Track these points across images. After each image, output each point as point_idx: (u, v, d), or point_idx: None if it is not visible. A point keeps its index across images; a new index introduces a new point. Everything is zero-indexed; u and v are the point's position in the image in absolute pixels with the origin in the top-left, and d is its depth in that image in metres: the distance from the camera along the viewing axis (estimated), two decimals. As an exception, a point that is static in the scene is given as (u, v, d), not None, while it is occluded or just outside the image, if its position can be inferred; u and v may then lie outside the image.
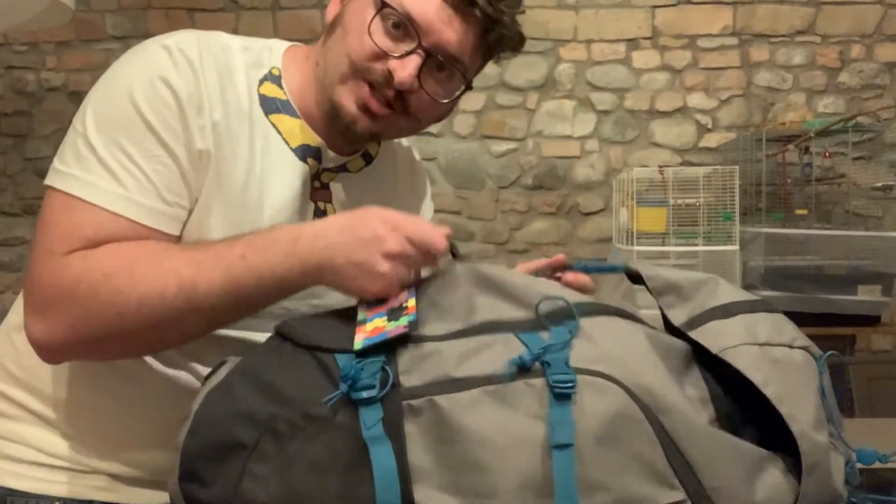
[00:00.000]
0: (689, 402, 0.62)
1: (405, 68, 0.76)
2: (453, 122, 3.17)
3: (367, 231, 0.68)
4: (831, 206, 2.96)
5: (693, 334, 0.66)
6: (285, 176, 0.81)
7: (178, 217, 0.75)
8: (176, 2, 3.17)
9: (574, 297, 0.67)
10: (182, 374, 0.78)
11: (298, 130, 0.82)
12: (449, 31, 0.77)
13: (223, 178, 0.77)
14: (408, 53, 0.76)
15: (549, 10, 3.13)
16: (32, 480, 0.78)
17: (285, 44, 0.87)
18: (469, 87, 0.86)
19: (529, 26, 3.11)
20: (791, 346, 0.64)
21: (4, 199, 3.26)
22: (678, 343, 0.67)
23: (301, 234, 0.69)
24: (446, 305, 0.68)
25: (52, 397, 0.79)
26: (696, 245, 2.48)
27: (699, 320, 0.67)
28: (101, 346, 0.70)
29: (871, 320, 2.42)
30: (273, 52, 0.84)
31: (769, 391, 0.60)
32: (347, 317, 0.68)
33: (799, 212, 2.70)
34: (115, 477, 0.79)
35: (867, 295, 2.37)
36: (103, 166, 0.71)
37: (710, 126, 3.15)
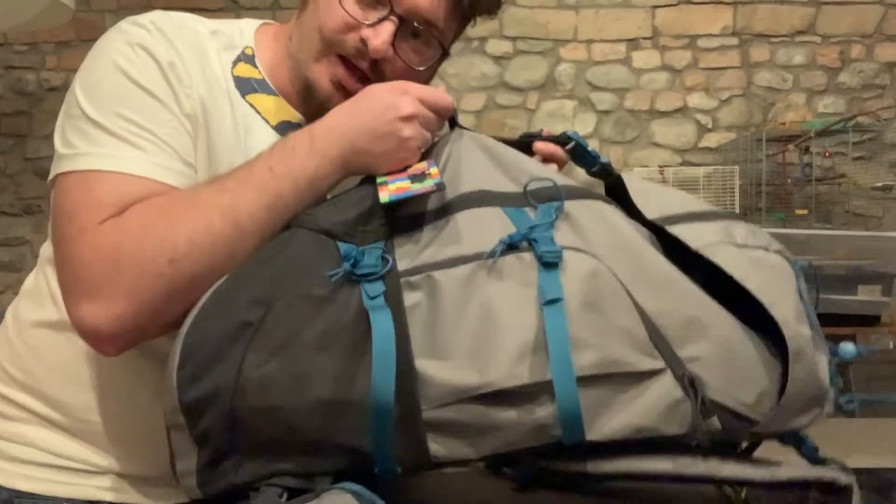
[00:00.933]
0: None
1: (378, 36, 0.75)
2: (453, 122, 3.17)
3: (379, 104, 0.69)
4: (831, 206, 2.96)
5: (669, 230, 0.67)
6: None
7: (194, 180, 0.74)
8: (176, 2, 3.17)
9: (560, 179, 0.69)
10: None
11: (277, 108, 0.82)
12: None
13: (211, 155, 0.76)
14: (380, 20, 0.75)
15: (549, 10, 3.13)
16: (40, 482, 0.77)
17: (256, 22, 0.86)
18: (447, 54, 0.84)
19: (529, 26, 3.13)
20: (767, 249, 0.65)
21: (4, 199, 3.26)
22: (655, 240, 0.68)
23: (314, 131, 0.70)
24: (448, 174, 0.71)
25: (56, 398, 0.78)
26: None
27: (674, 219, 0.67)
28: (163, 308, 0.66)
29: (871, 320, 2.41)
30: (244, 32, 0.83)
31: (750, 285, 0.60)
32: (359, 196, 0.70)
33: (799, 212, 2.70)
34: (122, 476, 0.79)
35: (867, 295, 2.37)
36: (115, 136, 0.70)
37: (710, 126, 3.15)
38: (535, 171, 0.70)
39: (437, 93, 0.71)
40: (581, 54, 3.15)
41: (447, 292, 0.60)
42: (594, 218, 0.66)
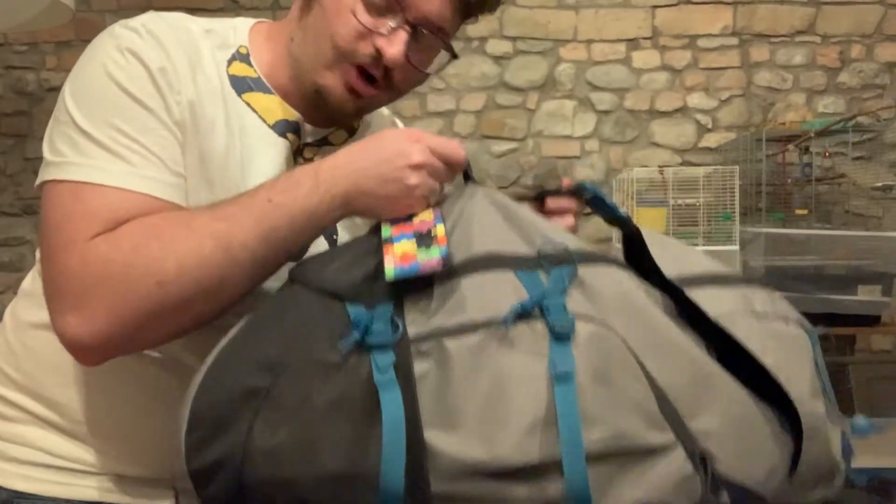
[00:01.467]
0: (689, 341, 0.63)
1: (393, 45, 0.74)
2: (453, 121, 3.17)
3: (389, 147, 0.68)
4: (831, 206, 2.96)
5: (688, 294, 0.66)
6: (267, 154, 0.79)
7: (185, 189, 0.74)
8: (176, 2, 3.17)
9: (575, 243, 0.68)
10: (186, 370, 0.78)
11: (274, 106, 0.81)
12: (432, 1, 0.76)
13: (203, 159, 0.75)
14: (394, 29, 0.75)
15: (549, 10, 3.13)
16: (39, 482, 0.77)
17: (250, 21, 0.85)
18: (455, 56, 0.83)
19: (529, 26, 3.13)
20: (786, 320, 0.64)
21: (4, 199, 3.26)
22: (670, 302, 0.67)
23: (320, 167, 0.69)
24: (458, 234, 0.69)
25: (54, 400, 0.78)
26: (697, 245, 2.48)
27: (692, 281, 0.67)
28: (146, 326, 0.66)
29: (871, 320, 2.41)
30: (238, 30, 0.83)
31: (768, 360, 0.60)
32: (364, 251, 0.69)
33: (799, 212, 2.70)
34: (121, 477, 0.78)
35: (867, 295, 2.37)
36: (104, 149, 0.69)
37: (710, 126, 3.15)
38: (549, 232, 0.69)
39: (449, 144, 0.71)
40: (581, 54, 3.15)
41: (457, 361, 0.59)
42: (607, 284, 0.65)
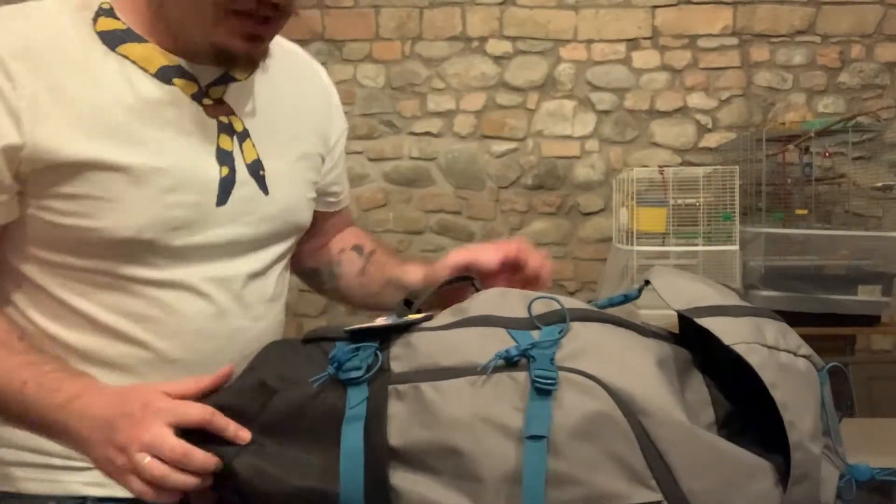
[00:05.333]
0: (684, 406, 0.62)
1: None
2: (453, 121, 3.17)
3: (118, 443, 0.65)
4: (831, 206, 2.96)
5: (700, 322, 0.66)
6: (155, 102, 0.78)
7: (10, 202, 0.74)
8: (176, 2, 3.17)
9: (570, 303, 0.69)
10: (167, 365, 0.79)
11: (151, 55, 0.79)
12: None
13: (89, 127, 0.74)
14: None
15: (549, 10, 3.13)
16: (24, 481, 0.77)
17: None
18: None
19: (529, 26, 3.13)
20: (796, 354, 0.64)
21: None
22: (679, 350, 0.67)
23: (82, 394, 0.68)
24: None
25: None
26: (696, 245, 2.48)
27: (704, 311, 0.67)
28: None
29: (871, 320, 2.41)
30: None
31: (777, 395, 0.60)
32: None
33: (799, 212, 2.69)
34: None
35: (867, 295, 2.37)
36: None
37: (710, 126, 3.15)
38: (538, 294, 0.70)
39: (187, 453, 0.63)
40: (581, 54, 3.15)
41: (433, 406, 0.60)
42: (601, 340, 0.65)
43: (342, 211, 1.08)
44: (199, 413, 0.64)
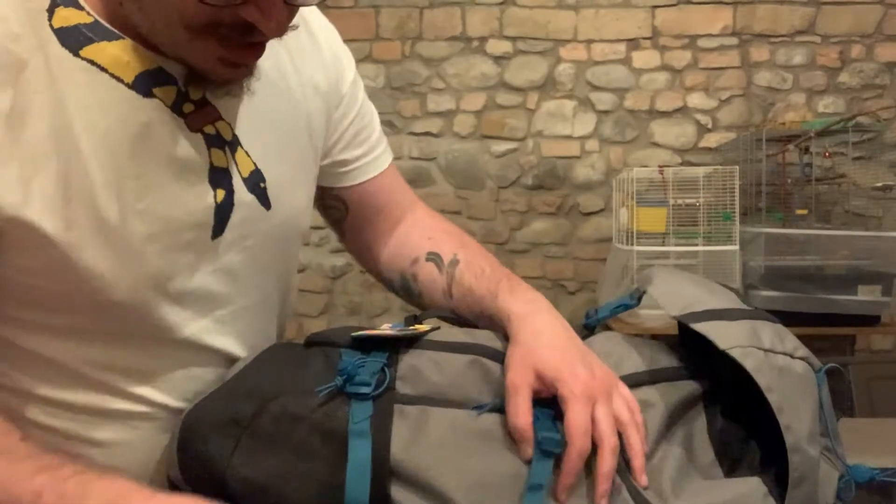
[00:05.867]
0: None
1: (270, 16, 0.56)
2: (453, 122, 3.17)
3: None
4: (831, 206, 2.96)
5: (695, 328, 0.67)
6: (133, 126, 0.60)
7: None
8: (176, 2, 3.17)
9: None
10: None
11: (128, 56, 0.60)
12: None
13: (58, 180, 0.57)
14: None
15: (549, 10, 3.13)
16: None
17: None
18: None
19: (529, 26, 3.12)
20: (792, 356, 0.64)
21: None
22: (683, 389, 0.68)
23: (120, 501, 0.55)
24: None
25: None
26: (696, 245, 2.48)
27: (700, 316, 0.67)
28: None
29: (871, 320, 2.41)
30: None
31: (772, 398, 0.60)
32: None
33: (799, 212, 2.69)
34: None
35: (867, 295, 2.37)
36: None
37: (710, 126, 3.15)
38: None
39: None
40: (581, 54, 3.15)
41: (440, 430, 0.60)
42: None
43: (386, 172, 0.87)
44: None
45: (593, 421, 0.60)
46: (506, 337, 0.69)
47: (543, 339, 0.66)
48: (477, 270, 0.79)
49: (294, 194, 0.76)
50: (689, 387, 0.68)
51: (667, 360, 0.70)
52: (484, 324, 0.75)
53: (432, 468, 0.58)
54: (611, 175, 3.10)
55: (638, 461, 0.60)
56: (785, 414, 0.60)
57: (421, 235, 0.87)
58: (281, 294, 0.79)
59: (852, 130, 2.61)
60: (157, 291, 0.65)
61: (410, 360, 0.65)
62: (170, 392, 0.68)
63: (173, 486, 0.65)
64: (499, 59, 3.16)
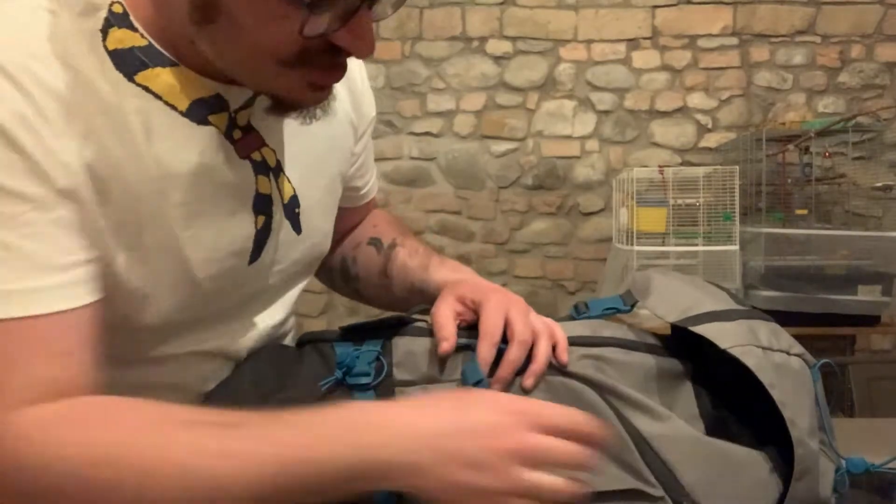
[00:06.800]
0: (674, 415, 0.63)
1: (363, 38, 0.54)
2: (453, 122, 3.17)
3: (475, 461, 0.49)
4: (831, 206, 2.96)
5: (695, 330, 0.67)
6: (189, 160, 0.59)
7: (86, 278, 0.54)
8: (176, 2, 3.17)
9: (571, 329, 0.70)
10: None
11: (182, 83, 0.58)
12: None
13: (114, 212, 0.56)
14: (352, 13, 0.52)
15: (549, 10, 3.13)
16: None
17: None
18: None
19: (529, 26, 3.12)
20: (788, 353, 0.65)
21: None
22: (666, 363, 0.68)
23: (381, 419, 0.51)
24: None
25: None
26: (696, 245, 2.48)
27: (698, 319, 0.68)
28: None
29: (871, 320, 2.41)
30: None
31: (775, 394, 0.61)
32: None
33: (799, 212, 2.69)
34: None
35: (867, 295, 2.37)
36: None
37: (710, 126, 3.15)
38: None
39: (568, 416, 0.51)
40: (581, 54, 3.15)
41: None
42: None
43: (368, 203, 0.92)
44: (562, 412, 0.51)
45: (507, 322, 0.66)
46: None
47: (467, 282, 0.73)
48: (411, 251, 0.84)
49: (322, 219, 0.77)
50: (674, 364, 0.69)
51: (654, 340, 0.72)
52: (416, 299, 0.79)
53: None
54: (611, 175, 3.10)
55: (551, 355, 0.65)
56: (788, 409, 0.60)
57: (367, 224, 0.91)
58: (293, 312, 0.81)
59: (852, 130, 2.61)
60: (192, 313, 0.64)
61: (405, 347, 0.67)
62: (192, 401, 0.67)
63: None
64: (499, 59, 3.16)
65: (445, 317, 0.67)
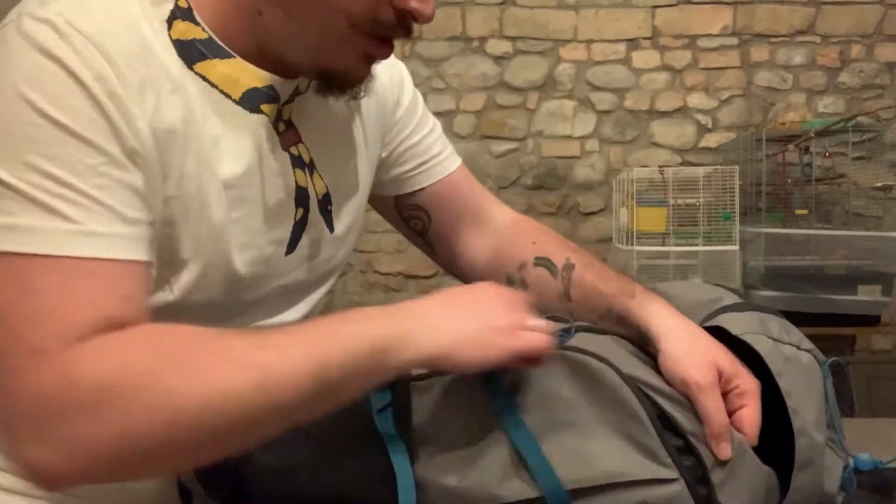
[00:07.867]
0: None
1: (428, 2, 0.61)
2: (453, 121, 3.17)
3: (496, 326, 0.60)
4: (831, 206, 2.96)
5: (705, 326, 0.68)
6: (241, 144, 0.64)
7: (144, 237, 0.57)
8: (176, 2, 3.17)
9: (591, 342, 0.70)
10: None
11: (238, 74, 0.63)
12: None
13: (171, 185, 0.60)
14: None
15: (549, 10, 3.13)
16: None
17: None
18: None
19: (529, 26, 3.12)
20: (799, 348, 0.65)
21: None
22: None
23: (411, 312, 0.60)
24: None
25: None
26: (696, 245, 2.48)
27: (709, 316, 0.69)
28: (138, 467, 0.53)
29: (871, 320, 2.41)
30: None
31: (782, 382, 0.61)
32: None
33: (799, 212, 2.69)
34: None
35: (867, 295, 2.37)
36: (29, 200, 0.52)
37: (710, 126, 3.15)
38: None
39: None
40: (581, 54, 3.15)
41: (455, 392, 0.63)
42: (605, 344, 0.67)
43: (457, 174, 0.90)
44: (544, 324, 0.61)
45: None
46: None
47: (703, 339, 0.66)
48: (600, 274, 0.80)
49: (352, 220, 0.79)
50: None
51: None
52: (607, 323, 0.75)
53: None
54: (611, 175, 3.10)
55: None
56: (793, 398, 0.61)
57: (524, 240, 0.88)
58: (312, 315, 0.81)
59: (852, 130, 2.61)
60: (230, 297, 0.66)
61: None
62: None
63: (182, 489, 0.65)
64: (499, 59, 3.16)
65: (720, 409, 0.61)
